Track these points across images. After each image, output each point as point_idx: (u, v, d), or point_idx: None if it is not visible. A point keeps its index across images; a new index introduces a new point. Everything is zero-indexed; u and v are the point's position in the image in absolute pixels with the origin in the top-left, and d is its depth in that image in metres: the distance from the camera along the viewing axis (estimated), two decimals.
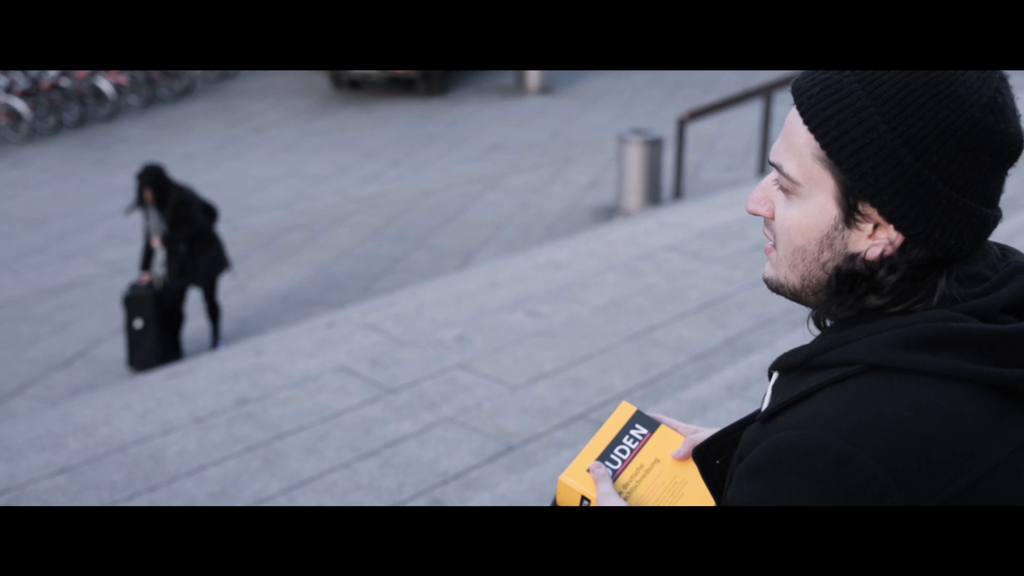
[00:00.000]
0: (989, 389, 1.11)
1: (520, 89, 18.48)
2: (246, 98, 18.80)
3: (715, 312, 6.46)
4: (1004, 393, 1.11)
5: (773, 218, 1.23)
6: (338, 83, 18.90)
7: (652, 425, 1.55)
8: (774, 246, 1.25)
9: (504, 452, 4.88)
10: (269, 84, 19.78)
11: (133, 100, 18.04)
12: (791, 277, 1.23)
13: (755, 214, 1.25)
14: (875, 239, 1.15)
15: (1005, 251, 1.25)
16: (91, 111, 17.20)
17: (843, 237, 1.17)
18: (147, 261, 7.70)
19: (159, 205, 7.53)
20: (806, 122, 1.15)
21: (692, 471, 1.49)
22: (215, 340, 7.86)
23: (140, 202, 7.58)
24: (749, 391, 5.04)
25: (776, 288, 1.26)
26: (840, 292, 1.19)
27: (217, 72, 20.15)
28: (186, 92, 19.16)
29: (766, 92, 11.10)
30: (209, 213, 7.77)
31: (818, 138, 1.14)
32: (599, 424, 5.00)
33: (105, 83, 17.33)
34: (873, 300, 1.17)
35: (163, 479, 4.75)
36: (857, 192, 1.13)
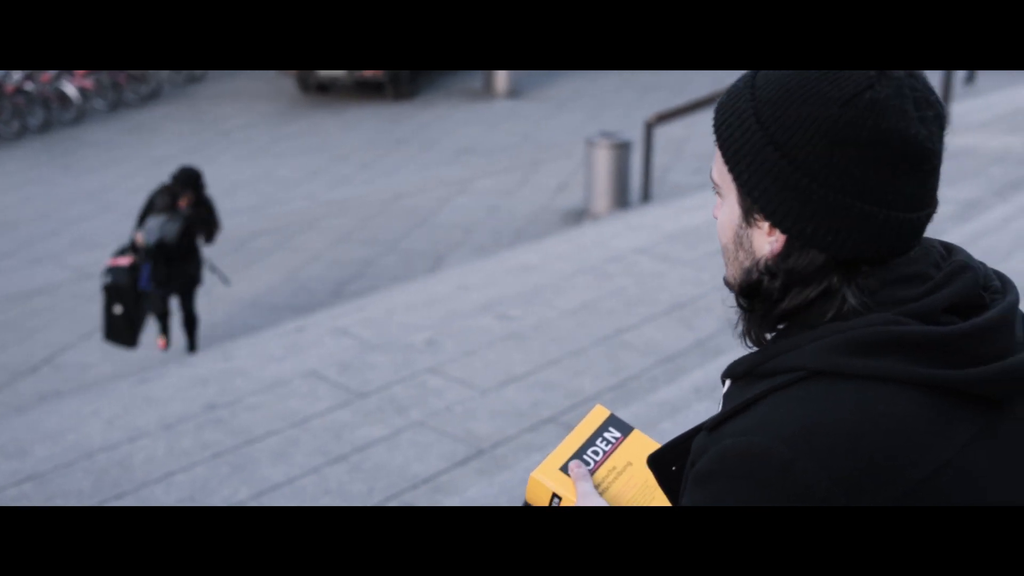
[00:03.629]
0: (932, 391, 1.11)
1: (489, 92, 18.48)
2: (214, 102, 18.71)
3: (684, 314, 6.49)
4: (947, 394, 1.12)
5: None
6: (306, 86, 18.83)
7: (626, 429, 1.55)
8: None
9: (474, 456, 4.88)
10: (236, 88, 19.69)
11: (99, 104, 17.91)
12: (730, 273, 1.28)
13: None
14: (772, 236, 1.19)
15: (949, 249, 1.25)
16: (56, 115, 17.06)
17: (748, 236, 1.22)
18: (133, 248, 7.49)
19: (199, 213, 7.40)
20: (713, 127, 1.24)
21: None
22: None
23: (171, 206, 7.35)
24: (718, 393, 5.02)
25: (729, 286, 1.31)
26: (751, 308, 1.23)
27: (184, 76, 20.04)
28: (152, 96, 19.04)
29: None
30: None
31: (716, 140, 1.22)
32: (569, 427, 5.01)
33: (70, 87, 17.20)
34: (782, 307, 1.19)
35: (131, 486, 4.72)
36: (746, 192, 1.19)
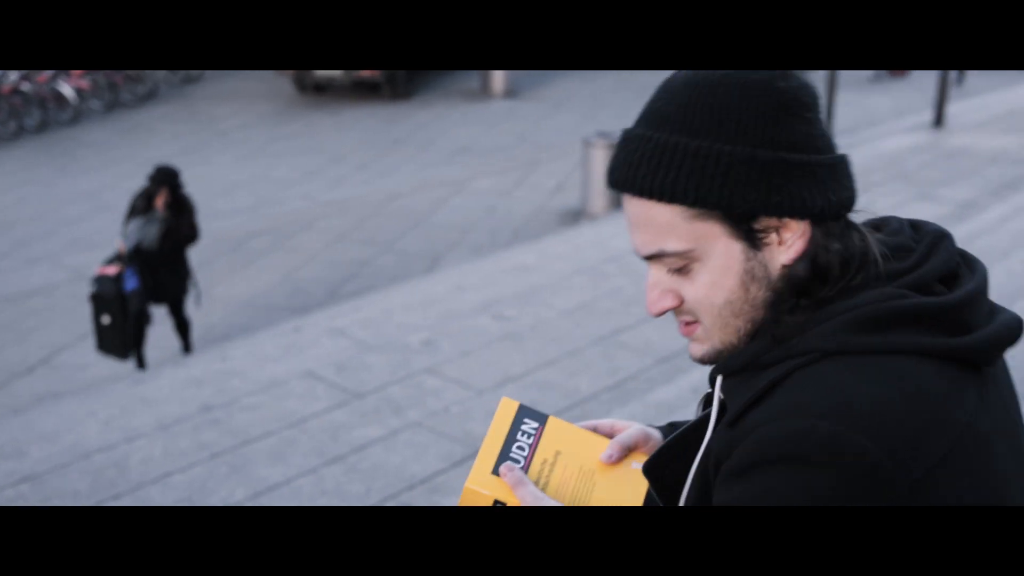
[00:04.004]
0: (941, 360, 1.13)
1: (485, 93, 18.48)
2: (210, 102, 18.70)
3: None
4: (952, 362, 1.13)
5: (683, 303, 1.24)
6: (302, 87, 18.82)
7: (540, 417, 1.51)
8: (693, 322, 1.26)
9: (471, 456, 4.87)
10: (233, 88, 19.68)
11: (95, 104, 17.89)
12: (727, 337, 1.24)
13: (666, 311, 1.25)
14: (784, 243, 1.17)
15: (912, 223, 1.28)
16: (53, 116, 17.05)
17: (761, 262, 1.18)
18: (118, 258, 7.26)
19: (174, 211, 7.17)
20: (657, 198, 1.16)
21: (594, 457, 1.47)
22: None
23: (147, 207, 7.15)
24: None
25: (715, 358, 1.27)
26: (796, 302, 1.20)
27: (180, 76, 20.03)
28: (149, 96, 19.02)
29: None
30: None
31: (680, 201, 1.14)
32: None
33: (67, 87, 17.18)
34: (827, 291, 1.19)
35: (128, 487, 4.71)
36: (749, 213, 1.15)
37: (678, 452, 1.35)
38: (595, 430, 1.53)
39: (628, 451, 1.48)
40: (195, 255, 8.50)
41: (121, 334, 7.19)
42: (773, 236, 1.17)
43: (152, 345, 7.65)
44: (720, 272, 1.19)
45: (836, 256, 1.17)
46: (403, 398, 5.48)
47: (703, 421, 1.31)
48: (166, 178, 7.21)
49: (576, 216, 10.62)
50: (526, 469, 1.44)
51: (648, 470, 1.39)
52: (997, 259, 6.27)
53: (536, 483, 1.42)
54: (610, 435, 1.53)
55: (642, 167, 1.16)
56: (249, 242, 10.56)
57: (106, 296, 7.13)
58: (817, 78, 17.47)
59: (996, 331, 1.16)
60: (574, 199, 11.21)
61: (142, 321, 7.28)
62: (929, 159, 10.27)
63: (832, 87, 11.03)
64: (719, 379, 1.28)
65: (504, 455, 1.45)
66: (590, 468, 1.46)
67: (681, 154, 1.14)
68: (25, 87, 16.80)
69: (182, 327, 7.66)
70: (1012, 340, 1.18)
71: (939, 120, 11.87)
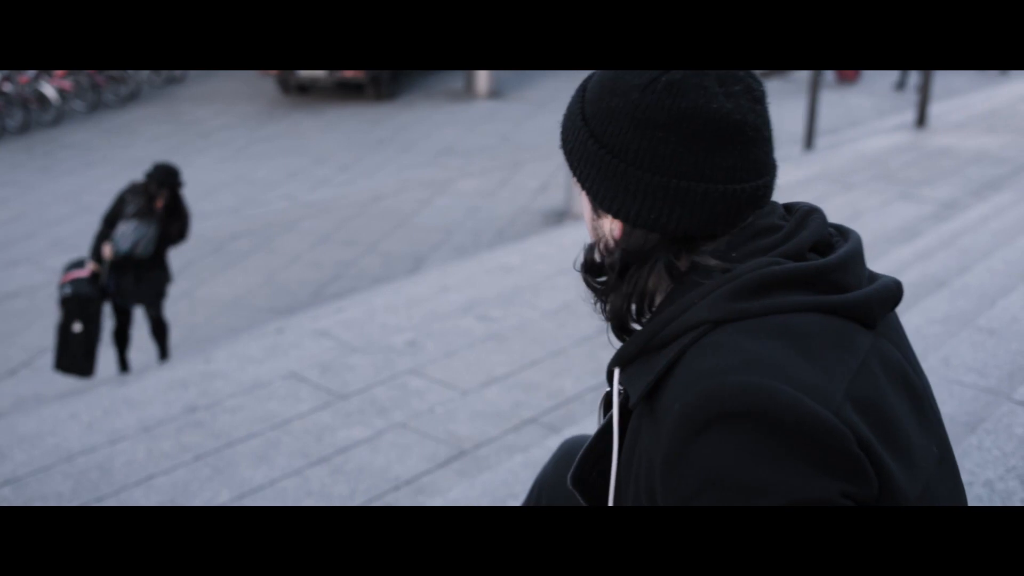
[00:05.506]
0: (827, 314, 1.20)
1: (469, 93, 18.47)
2: (193, 103, 18.63)
3: None
4: (836, 316, 1.20)
5: None
6: (286, 87, 18.76)
7: None
8: None
9: (456, 457, 4.87)
10: (216, 89, 19.61)
11: (78, 105, 17.80)
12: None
13: None
14: (614, 222, 1.29)
15: (787, 205, 1.35)
16: (34, 117, 16.95)
17: (600, 225, 1.32)
18: (98, 252, 6.79)
19: (171, 215, 6.74)
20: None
21: None
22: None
23: (147, 209, 6.64)
24: None
25: None
26: (596, 285, 1.35)
27: (163, 76, 19.94)
28: (132, 97, 18.93)
29: None
30: None
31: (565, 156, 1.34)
32: (551, 428, 5.02)
33: (49, 88, 17.09)
34: (626, 287, 1.30)
35: (111, 489, 4.69)
36: (588, 190, 1.31)
37: (598, 456, 1.39)
38: None
39: None
40: (177, 256, 8.48)
41: (93, 345, 6.72)
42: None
43: (135, 347, 7.62)
44: (585, 211, 1.36)
45: (611, 256, 1.30)
46: (387, 399, 5.47)
47: (611, 422, 1.34)
48: (168, 179, 6.70)
49: (560, 216, 10.64)
50: None
51: (575, 481, 1.41)
52: (979, 258, 6.30)
53: None
54: None
55: (562, 131, 1.35)
56: (232, 243, 10.53)
57: (84, 297, 6.64)
58: (800, 78, 17.36)
59: (874, 290, 1.25)
60: (558, 199, 11.22)
61: (126, 326, 7.19)
62: (911, 159, 10.31)
63: (815, 87, 11.07)
64: (616, 372, 1.32)
65: None
66: None
67: (571, 108, 1.33)
68: (7, 88, 16.70)
69: (159, 330, 7.29)
70: (891, 299, 1.27)
71: (922, 120, 11.93)
